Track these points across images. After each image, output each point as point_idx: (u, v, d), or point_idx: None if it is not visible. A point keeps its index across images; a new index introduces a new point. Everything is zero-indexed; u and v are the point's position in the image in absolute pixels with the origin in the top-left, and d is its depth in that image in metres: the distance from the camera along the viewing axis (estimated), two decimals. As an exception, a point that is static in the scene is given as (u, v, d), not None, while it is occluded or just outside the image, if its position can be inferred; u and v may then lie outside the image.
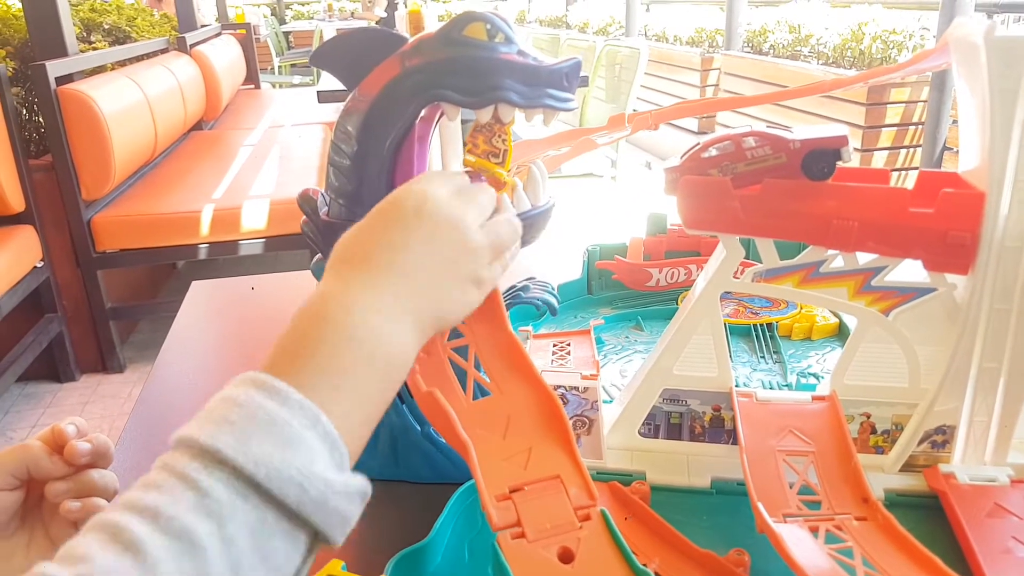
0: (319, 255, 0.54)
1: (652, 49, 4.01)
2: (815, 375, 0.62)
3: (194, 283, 0.93)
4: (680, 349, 0.50)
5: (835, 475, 0.43)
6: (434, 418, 0.41)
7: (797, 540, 0.38)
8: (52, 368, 2.08)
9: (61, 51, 2.00)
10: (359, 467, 0.47)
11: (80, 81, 2.02)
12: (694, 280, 0.69)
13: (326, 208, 0.52)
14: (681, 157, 0.49)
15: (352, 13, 7.75)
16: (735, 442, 0.52)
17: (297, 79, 6.55)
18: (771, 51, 3.88)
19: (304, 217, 0.54)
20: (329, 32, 5.91)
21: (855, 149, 3.03)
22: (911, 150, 3.09)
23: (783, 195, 0.45)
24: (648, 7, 5.80)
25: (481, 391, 0.44)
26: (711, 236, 0.48)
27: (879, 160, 3.10)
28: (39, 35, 2.01)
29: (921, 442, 0.48)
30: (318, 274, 0.52)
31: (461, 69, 0.44)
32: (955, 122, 2.69)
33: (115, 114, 1.99)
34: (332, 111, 3.36)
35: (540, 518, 0.38)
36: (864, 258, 0.46)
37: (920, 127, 3.00)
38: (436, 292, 0.35)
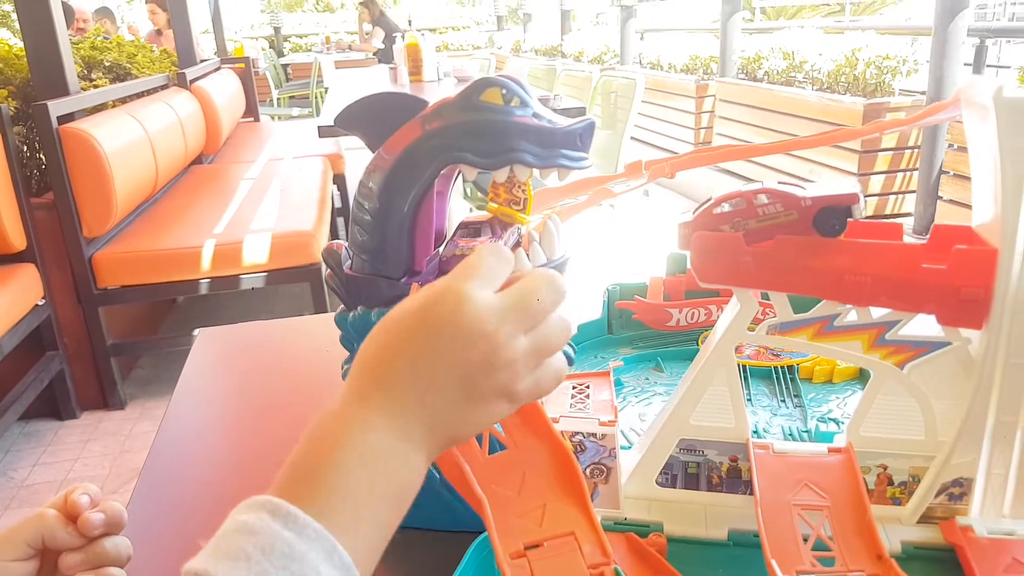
0: (342, 306, 0.55)
1: (647, 77, 4.05)
2: (835, 420, 0.62)
3: (200, 331, 0.93)
4: (697, 399, 0.50)
5: (849, 530, 0.43)
6: (449, 472, 0.41)
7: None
8: (53, 406, 2.07)
9: (63, 90, 2.02)
10: None
11: (81, 120, 2.03)
12: (715, 320, 0.69)
13: (349, 261, 0.53)
14: (694, 212, 0.49)
15: (350, 45, 7.99)
16: (752, 493, 0.52)
17: (296, 111, 6.60)
18: (766, 77, 3.93)
19: (328, 270, 0.54)
20: (327, 64, 5.97)
21: (851, 174, 3.09)
22: (907, 174, 3.12)
23: (795, 251, 0.45)
24: (642, 35, 5.89)
25: (496, 444, 0.44)
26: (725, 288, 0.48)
27: (876, 184, 3.13)
28: (41, 75, 2.02)
29: (938, 494, 0.48)
30: (341, 325, 0.52)
31: (478, 132, 0.46)
32: (951, 146, 2.73)
33: (116, 151, 2.01)
34: (332, 144, 3.39)
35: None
36: (878, 312, 0.46)
37: (916, 151, 3.03)
38: (459, 416, 0.33)
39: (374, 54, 6.64)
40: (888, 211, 3.23)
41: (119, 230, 2.20)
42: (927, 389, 0.47)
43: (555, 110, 0.48)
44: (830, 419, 0.62)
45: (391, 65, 4.33)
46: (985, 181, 0.44)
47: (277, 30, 9.78)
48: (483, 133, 0.46)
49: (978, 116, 0.44)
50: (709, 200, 0.49)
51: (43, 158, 2.01)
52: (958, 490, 0.48)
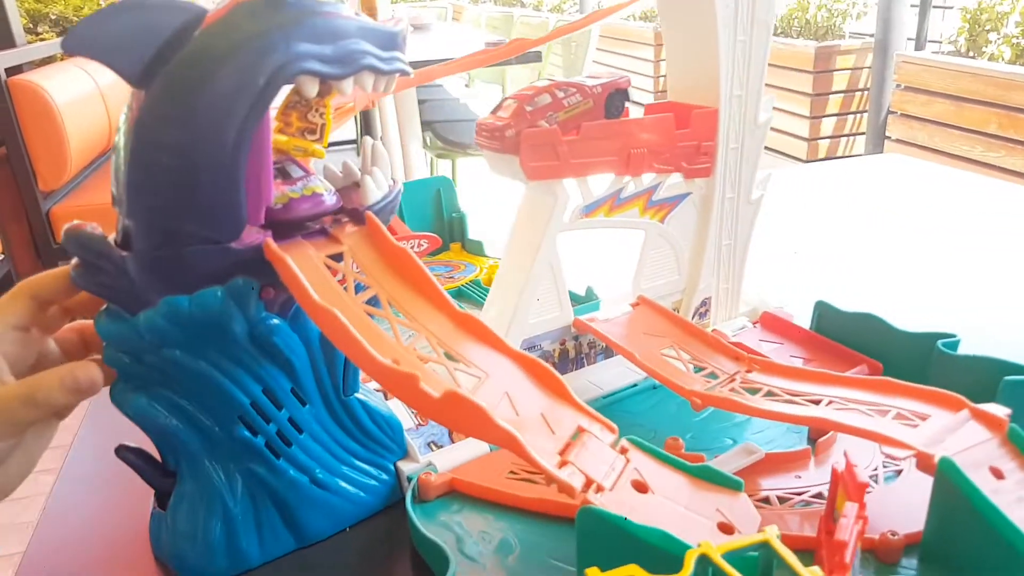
0: (106, 307, 0.39)
1: (605, 26, 3.63)
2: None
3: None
4: (533, 299, 0.52)
5: (702, 351, 0.52)
6: (459, 418, 0.35)
7: (743, 398, 0.46)
8: None
9: (9, 42, 2.07)
10: (247, 563, 0.43)
11: (30, 72, 2.01)
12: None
13: (114, 237, 0.38)
14: (494, 113, 0.50)
15: None
16: (579, 366, 0.57)
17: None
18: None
19: (76, 262, 0.38)
20: (404, 18, 3.60)
21: (804, 116, 3.09)
22: (857, 116, 3.18)
23: (597, 135, 0.51)
24: None
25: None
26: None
27: (827, 127, 3.17)
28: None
29: (694, 316, 0.61)
30: (112, 332, 0.38)
31: (320, 35, 0.37)
32: (898, 86, 2.81)
33: (68, 104, 1.99)
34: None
35: (598, 468, 0.37)
36: (647, 180, 0.55)
37: (866, 92, 3.09)
38: None
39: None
40: (840, 152, 3.26)
41: (76, 184, 2.21)
42: (678, 236, 0.59)
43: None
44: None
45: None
46: (686, 57, 0.57)
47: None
48: (326, 35, 0.37)
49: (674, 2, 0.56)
50: (506, 100, 0.50)
51: None
52: (704, 308, 0.62)
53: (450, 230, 0.86)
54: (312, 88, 0.38)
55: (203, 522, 0.41)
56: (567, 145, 0.50)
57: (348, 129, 4.37)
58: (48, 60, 2.34)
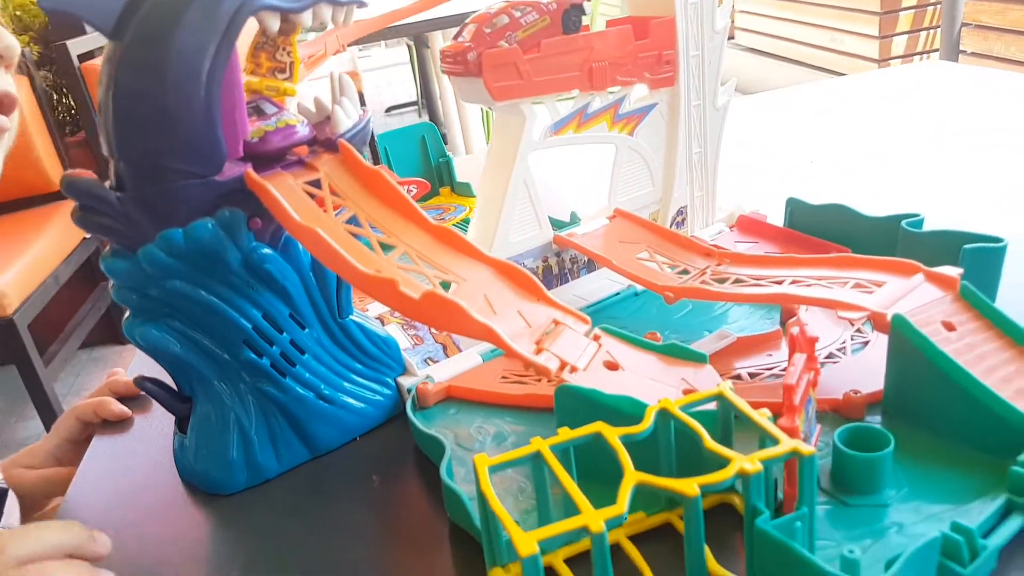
0: (109, 247, 0.42)
1: None
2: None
3: None
4: (511, 217, 0.55)
5: (675, 252, 0.55)
6: (438, 316, 0.38)
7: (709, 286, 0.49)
8: (113, 331, 2.20)
9: (80, 30, 2.06)
10: (265, 474, 0.47)
11: (102, 57, 1.34)
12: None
13: (109, 182, 0.41)
14: (456, 39, 0.52)
15: None
16: (563, 281, 0.60)
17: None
18: None
19: (78, 207, 0.41)
20: None
21: (873, 37, 2.95)
22: (931, 32, 2.98)
23: (558, 51, 0.53)
24: None
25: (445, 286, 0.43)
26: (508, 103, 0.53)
27: (899, 46, 3.00)
28: (57, 17, 2.04)
29: (671, 225, 0.64)
30: (118, 269, 0.41)
31: None
32: None
33: None
34: (347, 62, 2.40)
35: (572, 352, 0.41)
36: (612, 94, 0.57)
37: (937, 7, 2.89)
38: None
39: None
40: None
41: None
42: (648, 147, 0.61)
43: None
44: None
45: None
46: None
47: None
48: (282, -28, 0.40)
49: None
50: (467, 24, 0.52)
51: (72, 102, 2.15)
52: (680, 218, 0.64)
53: (439, 175, 0.89)
54: (274, 23, 0.41)
55: (220, 439, 0.45)
56: (529, 63, 0.52)
57: (409, 91, 4.41)
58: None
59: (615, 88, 0.57)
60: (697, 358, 0.42)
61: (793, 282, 0.47)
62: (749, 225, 0.63)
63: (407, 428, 0.48)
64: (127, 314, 0.44)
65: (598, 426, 0.33)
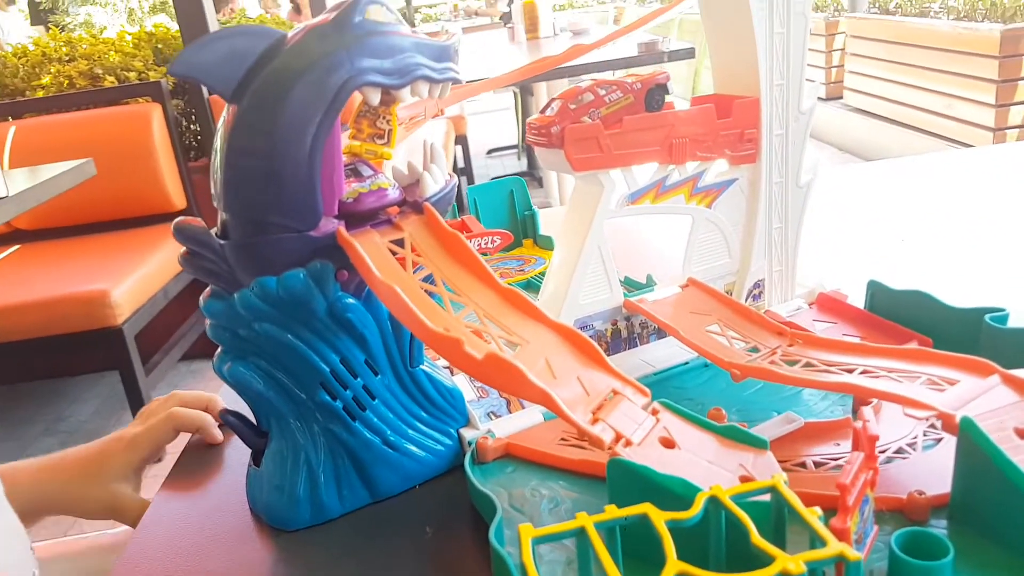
0: (209, 289, 0.46)
1: None
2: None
3: None
4: (583, 281, 0.57)
5: (746, 328, 0.55)
6: (499, 377, 0.40)
7: (783, 368, 0.49)
8: (212, 347, 1.81)
9: None
10: (328, 514, 0.49)
11: None
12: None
13: (215, 230, 0.45)
14: (542, 113, 0.55)
15: (476, 11, 7.82)
16: (632, 345, 0.61)
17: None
18: (898, 10, 3.71)
19: (185, 251, 0.45)
20: (455, 32, 4.30)
21: (989, 105, 2.98)
22: None
23: (639, 128, 0.55)
24: None
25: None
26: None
27: (1016, 115, 2.96)
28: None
29: (747, 298, 0.63)
30: (217, 310, 0.45)
31: (380, 51, 0.43)
32: None
33: None
34: (455, 107, 3.09)
35: (628, 425, 0.41)
36: (692, 167, 0.59)
37: None
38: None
39: (500, 18, 6.69)
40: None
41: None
42: (726, 220, 0.61)
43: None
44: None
45: (509, 25, 4.12)
46: (732, 51, 0.59)
47: (408, 1, 9.25)
48: (385, 51, 0.44)
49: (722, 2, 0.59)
50: (555, 101, 0.55)
51: (198, 128, 2.41)
52: (757, 291, 0.64)
53: (523, 227, 0.91)
54: (375, 97, 0.44)
55: (290, 475, 0.48)
56: (610, 138, 0.54)
57: (511, 135, 4.74)
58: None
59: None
60: (758, 444, 0.42)
61: (864, 372, 0.47)
62: (829, 304, 0.63)
63: (464, 481, 0.49)
64: (218, 350, 0.48)
65: (646, 508, 0.34)
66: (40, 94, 2.38)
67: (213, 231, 0.45)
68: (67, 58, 2.46)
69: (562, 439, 0.51)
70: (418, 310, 0.41)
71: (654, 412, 0.43)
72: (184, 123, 2.47)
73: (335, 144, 0.44)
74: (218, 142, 0.44)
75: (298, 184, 0.43)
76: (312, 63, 0.42)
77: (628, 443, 0.40)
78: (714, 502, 0.35)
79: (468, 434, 0.52)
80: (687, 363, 0.59)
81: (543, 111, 0.55)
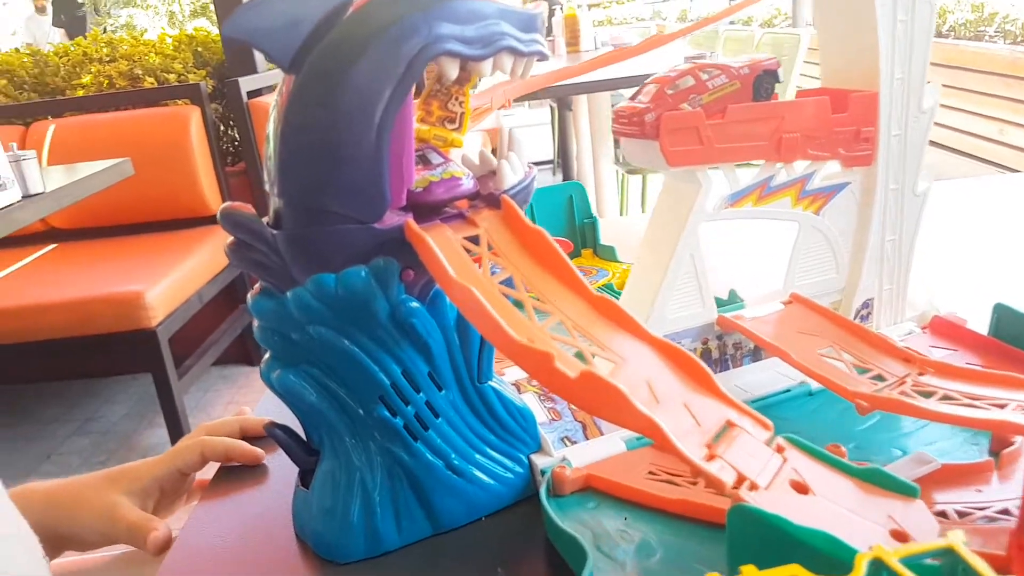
0: (259, 286, 0.40)
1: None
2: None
3: None
4: (671, 292, 0.50)
5: (866, 352, 0.48)
6: (595, 400, 0.33)
7: (918, 400, 0.41)
8: (245, 353, 2.40)
9: (251, 68, 2.29)
10: (384, 545, 0.42)
11: (268, 95, 2.26)
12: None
13: (267, 219, 0.39)
14: (634, 100, 0.49)
15: None
16: (723, 368, 0.54)
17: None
18: (951, 33, 3.62)
19: (234, 243, 0.39)
20: (543, 2, 4.43)
21: None
22: None
23: (745, 118, 0.48)
24: None
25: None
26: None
27: None
28: (233, 55, 2.33)
29: (854, 319, 0.56)
30: (264, 310, 0.39)
31: (461, 17, 0.37)
32: None
33: None
34: (491, 119, 2.81)
35: (751, 464, 0.34)
36: (800, 167, 0.52)
37: None
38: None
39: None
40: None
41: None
42: (835, 230, 0.54)
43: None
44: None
45: (550, 38, 3.93)
46: (841, 37, 0.53)
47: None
48: (467, 17, 0.38)
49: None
50: (648, 84, 0.48)
51: (236, 134, 2.37)
52: (866, 311, 0.57)
53: (582, 235, 0.85)
54: (453, 69, 0.38)
55: (343, 499, 0.42)
56: (711, 129, 0.47)
57: (546, 150, 4.56)
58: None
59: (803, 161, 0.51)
60: (906, 491, 0.34)
61: (1017, 407, 0.39)
62: (946, 329, 0.55)
63: (537, 514, 0.43)
64: (266, 356, 0.42)
65: (793, 571, 0.27)
66: (80, 93, 2.38)
67: (265, 220, 0.40)
68: (108, 58, 2.46)
69: (651, 472, 0.44)
70: (499, 317, 0.35)
71: (779, 449, 0.36)
72: (222, 127, 2.45)
73: (406, 123, 0.38)
74: (272, 121, 0.39)
75: (362, 167, 0.37)
76: (383, 28, 0.36)
77: (754, 486, 0.33)
78: (876, 565, 0.28)
79: (541, 461, 0.46)
80: (788, 390, 0.52)
81: (632, 98, 0.49)
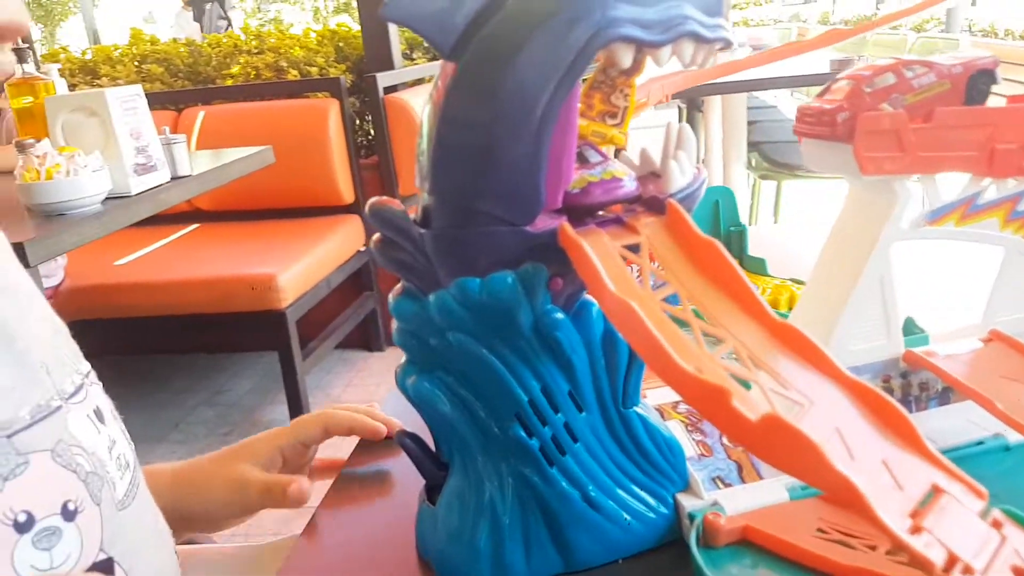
0: (400, 286, 0.38)
1: (977, 44, 3.49)
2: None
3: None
4: (855, 320, 0.43)
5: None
6: (777, 449, 0.28)
7: None
8: (365, 338, 2.45)
9: (389, 65, 2.37)
10: (513, 574, 0.38)
11: (403, 91, 2.36)
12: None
13: (415, 217, 0.36)
14: (821, 97, 0.43)
15: None
16: (916, 408, 0.47)
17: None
18: (1008, 36, 3.63)
19: (378, 238, 0.37)
20: None
21: None
22: None
23: (955, 124, 0.41)
24: (974, 1, 5.07)
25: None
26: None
27: None
28: (372, 51, 2.40)
29: (1063, 363, 0.48)
30: (406, 312, 0.36)
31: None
32: None
33: None
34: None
35: (964, 542, 0.28)
36: (1011, 184, 0.44)
37: None
38: None
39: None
40: None
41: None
42: (1049, 258, 0.46)
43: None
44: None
45: None
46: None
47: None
48: (647, -1, 0.33)
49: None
50: (838, 80, 0.42)
51: (371, 129, 2.42)
52: (1078, 354, 0.48)
53: (728, 245, 0.78)
54: (627, 57, 0.34)
55: (471, 522, 0.39)
56: (915, 134, 0.41)
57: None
58: (419, 81, 2.59)
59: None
60: None
61: None
62: None
63: (683, 563, 0.38)
64: (403, 360, 0.40)
65: None
66: (229, 82, 2.50)
67: (413, 217, 0.37)
68: (256, 50, 2.58)
69: (820, 529, 0.38)
70: (664, 340, 0.30)
71: (996, 524, 0.30)
72: (358, 121, 2.51)
73: (570, 117, 0.35)
74: (426, 115, 0.36)
75: (519, 164, 0.34)
76: (553, 9, 0.33)
77: (968, 570, 0.27)
78: None
79: (688, 503, 0.41)
80: (981, 442, 0.44)
81: (820, 96, 0.43)
